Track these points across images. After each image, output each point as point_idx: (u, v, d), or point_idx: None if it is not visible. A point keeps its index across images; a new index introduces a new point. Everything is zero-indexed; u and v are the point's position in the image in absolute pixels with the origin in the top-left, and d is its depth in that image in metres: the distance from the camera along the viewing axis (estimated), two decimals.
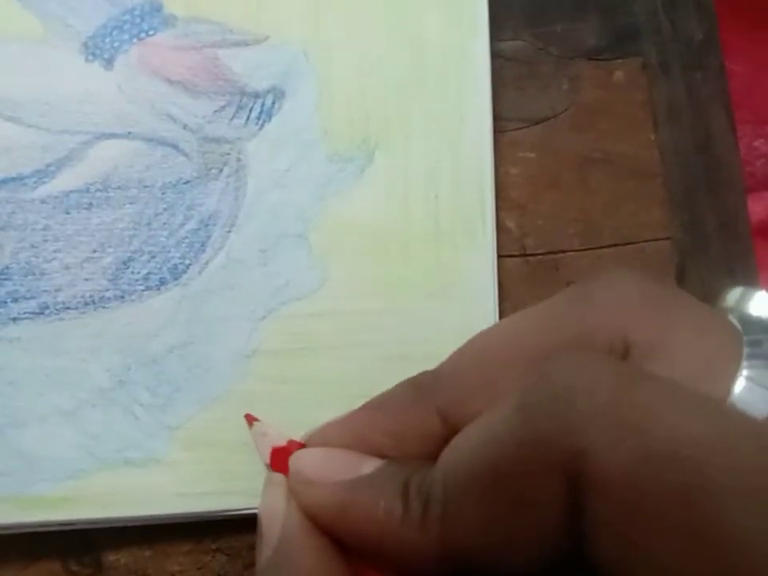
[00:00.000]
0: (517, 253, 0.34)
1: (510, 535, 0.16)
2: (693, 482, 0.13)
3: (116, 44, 0.31)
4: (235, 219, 0.31)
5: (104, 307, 0.30)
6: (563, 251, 0.34)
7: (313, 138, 0.32)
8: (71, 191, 0.30)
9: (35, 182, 0.30)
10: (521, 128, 0.34)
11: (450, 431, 0.18)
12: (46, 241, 0.30)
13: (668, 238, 0.34)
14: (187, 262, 0.31)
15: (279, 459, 0.23)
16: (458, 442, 0.18)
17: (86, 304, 0.30)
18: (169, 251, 0.31)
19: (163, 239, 0.31)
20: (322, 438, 0.22)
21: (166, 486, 0.30)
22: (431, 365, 0.32)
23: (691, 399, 0.14)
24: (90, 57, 0.31)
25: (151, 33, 0.31)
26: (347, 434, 0.21)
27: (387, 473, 0.19)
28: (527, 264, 0.34)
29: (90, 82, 0.31)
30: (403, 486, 0.18)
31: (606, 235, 0.34)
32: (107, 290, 0.30)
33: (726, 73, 0.37)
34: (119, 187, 0.31)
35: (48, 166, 0.30)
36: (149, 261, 0.30)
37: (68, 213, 0.30)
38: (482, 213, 0.32)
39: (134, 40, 0.31)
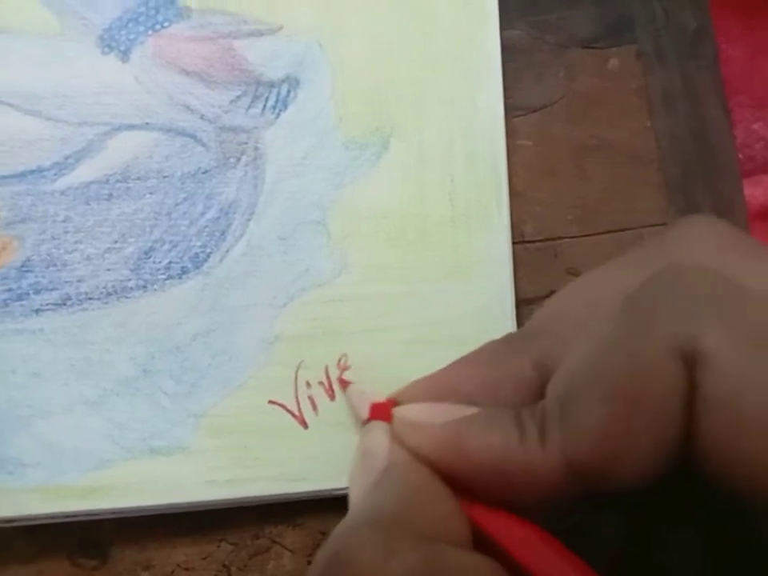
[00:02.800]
0: (515, 240, 0.34)
1: (630, 435, 0.16)
2: None
3: (132, 36, 0.31)
4: (254, 207, 0.31)
5: (126, 297, 0.30)
6: (561, 237, 0.34)
7: (328, 126, 0.32)
8: (91, 182, 0.30)
9: (55, 174, 0.30)
10: (517, 116, 0.34)
11: (546, 381, 0.19)
12: (66, 232, 0.30)
13: (665, 224, 0.35)
14: (208, 250, 0.31)
15: (378, 413, 0.23)
16: (565, 365, 0.18)
17: (109, 294, 0.30)
18: (190, 240, 0.31)
19: (184, 228, 0.31)
20: (414, 392, 0.22)
21: (192, 474, 0.29)
22: (453, 347, 0.32)
23: None
24: (107, 49, 0.31)
25: (166, 24, 0.31)
26: (440, 386, 0.21)
27: (496, 409, 0.19)
28: (526, 251, 0.34)
29: (106, 75, 0.31)
30: (516, 415, 0.18)
31: (603, 221, 0.34)
32: (129, 279, 0.30)
33: (719, 61, 0.37)
34: (139, 178, 0.31)
35: (67, 158, 0.30)
36: (170, 250, 0.30)
37: (88, 204, 0.30)
38: (497, 194, 0.32)
39: (150, 32, 0.31)
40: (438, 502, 0.18)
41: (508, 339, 0.21)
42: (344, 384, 0.30)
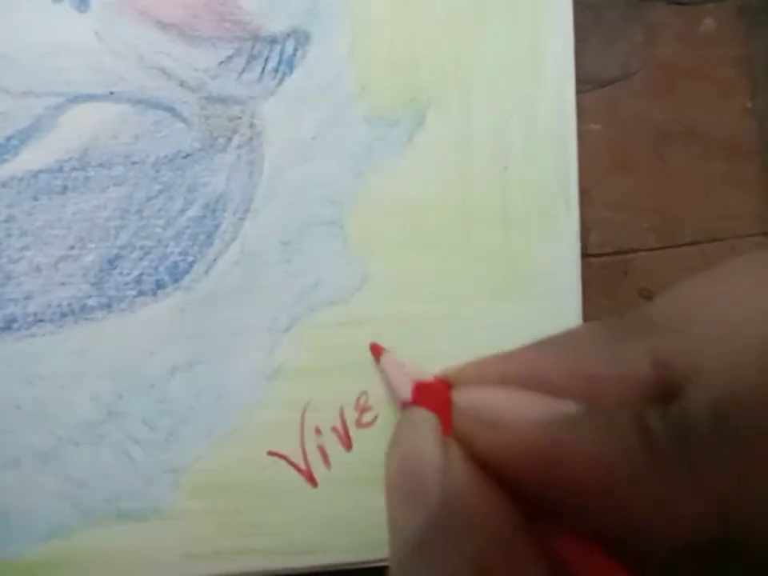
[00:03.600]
0: None
1: None
2: None
3: None
4: (250, 203, 0.26)
5: (86, 319, 0.25)
6: (634, 250, 0.30)
7: (346, 96, 0.26)
8: (40, 171, 0.25)
9: None
10: (582, 92, 0.29)
11: (665, 379, 0.15)
12: (9, 236, 0.25)
13: (765, 234, 0.31)
14: (190, 259, 0.26)
15: (425, 397, 0.19)
16: (723, 376, 0.15)
17: (64, 315, 0.25)
18: (166, 246, 0.25)
19: (159, 230, 0.25)
20: (478, 373, 0.18)
21: (170, 544, 0.25)
22: None
23: None
24: None
25: None
26: (517, 373, 0.17)
27: (605, 410, 0.15)
28: (589, 266, 0.29)
29: (59, 29, 0.25)
30: (639, 421, 0.15)
31: (687, 230, 0.30)
32: (89, 296, 0.25)
33: None
34: (101, 164, 0.25)
35: (9, 138, 0.25)
36: (141, 259, 0.25)
37: (36, 199, 0.25)
38: (564, 188, 0.27)
39: None
40: (520, 548, 0.15)
41: (613, 326, 0.17)
42: (377, 351, 0.26)
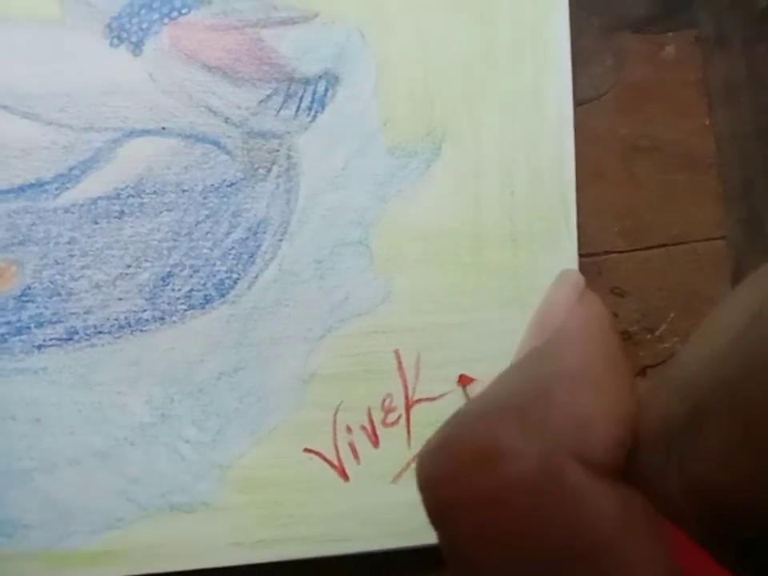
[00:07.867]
0: None
1: None
2: None
3: (145, 25, 0.27)
4: (287, 226, 0.28)
5: (141, 330, 0.27)
6: (606, 252, 0.31)
7: (371, 130, 0.28)
8: (99, 198, 0.27)
9: (57, 189, 0.26)
10: None
11: None
12: (72, 256, 0.27)
13: (722, 237, 0.31)
14: (234, 276, 0.27)
15: None
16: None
17: (121, 327, 0.27)
18: (213, 264, 0.27)
19: (206, 251, 0.27)
20: None
21: (217, 534, 0.27)
22: None
23: None
24: (116, 41, 0.27)
25: (185, 11, 0.27)
26: None
27: None
28: None
29: (116, 71, 0.27)
30: None
31: (654, 234, 0.31)
32: (144, 310, 0.27)
33: None
34: (154, 192, 0.27)
35: (71, 169, 0.27)
36: (191, 276, 0.27)
37: (96, 223, 0.27)
38: (564, 210, 0.29)
39: (166, 20, 0.27)
40: (616, 382, 0.14)
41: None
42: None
